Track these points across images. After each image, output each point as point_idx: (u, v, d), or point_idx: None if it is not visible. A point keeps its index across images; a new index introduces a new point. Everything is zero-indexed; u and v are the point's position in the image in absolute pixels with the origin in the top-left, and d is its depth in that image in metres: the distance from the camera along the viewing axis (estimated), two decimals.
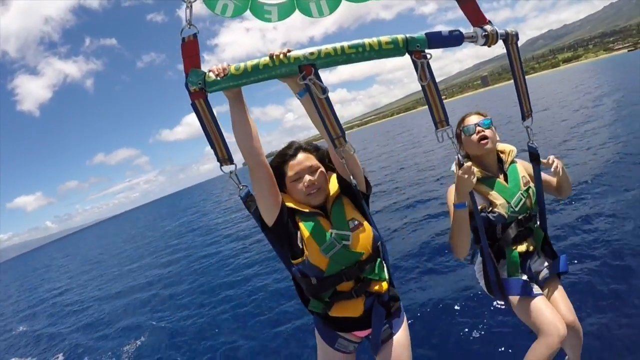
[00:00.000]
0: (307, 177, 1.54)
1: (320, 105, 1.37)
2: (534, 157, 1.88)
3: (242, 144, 1.40)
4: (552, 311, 1.73)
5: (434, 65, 1.40)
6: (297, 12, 1.45)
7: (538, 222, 1.98)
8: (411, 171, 12.47)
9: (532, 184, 1.93)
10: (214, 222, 16.63)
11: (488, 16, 1.53)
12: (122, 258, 16.41)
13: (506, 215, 1.86)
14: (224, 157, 1.40)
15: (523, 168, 1.99)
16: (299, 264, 1.50)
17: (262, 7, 1.42)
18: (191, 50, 1.34)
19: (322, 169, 1.61)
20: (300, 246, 1.50)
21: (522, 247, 1.91)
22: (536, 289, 1.84)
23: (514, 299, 1.84)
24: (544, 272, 1.91)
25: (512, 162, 2.00)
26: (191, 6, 1.32)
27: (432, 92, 1.44)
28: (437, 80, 1.45)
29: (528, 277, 1.88)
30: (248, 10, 1.40)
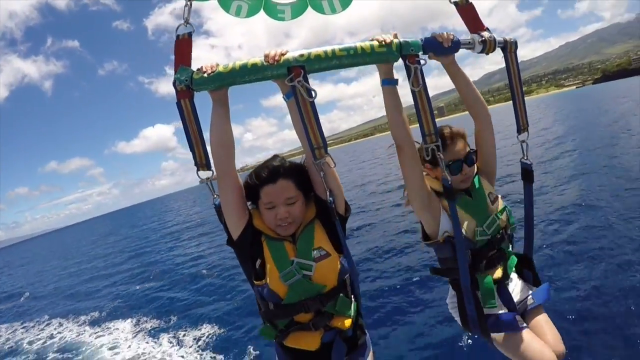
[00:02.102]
0: (282, 210, 1.42)
1: (304, 110, 1.33)
2: (527, 175, 1.74)
3: (216, 148, 1.36)
4: (541, 344, 1.59)
5: None
6: (309, 9, 1.43)
7: (511, 246, 1.78)
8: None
9: (501, 202, 1.73)
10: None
11: None
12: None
13: (474, 240, 1.64)
14: (202, 162, 1.37)
15: (487, 182, 1.76)
16: (259, 286, 1.43)
17: (275, 6, 1.41)
18: (184, 48, 1.33)
19: (301, 199, 1.47)
20: (260, 269, 1.44)
21: (497, 273, 1.70)
22: (520, 321, 1.67)
23: (499, 335, 1.66)
24: (529, 302, 1.73)
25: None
26: (190, 4, 1.31)
27: (422, 100, 1.42)
28: None
29: (507, 308, 1.71)
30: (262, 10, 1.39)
